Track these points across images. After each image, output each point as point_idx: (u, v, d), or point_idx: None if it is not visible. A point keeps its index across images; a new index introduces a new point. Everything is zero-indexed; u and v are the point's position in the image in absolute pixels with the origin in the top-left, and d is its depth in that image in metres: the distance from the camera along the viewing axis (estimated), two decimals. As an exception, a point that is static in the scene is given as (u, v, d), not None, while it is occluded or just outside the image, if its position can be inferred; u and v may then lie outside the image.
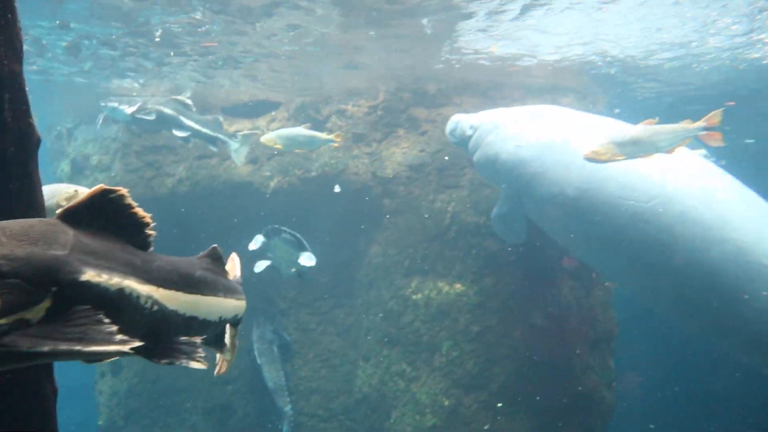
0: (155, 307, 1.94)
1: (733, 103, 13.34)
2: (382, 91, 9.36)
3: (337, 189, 8.78)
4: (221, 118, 8.64)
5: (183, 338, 2.03)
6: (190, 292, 2.15)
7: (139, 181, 9.44)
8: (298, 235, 7.52)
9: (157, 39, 8.26)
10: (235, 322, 2.68)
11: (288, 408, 8.89)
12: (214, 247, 2.52)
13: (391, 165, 8.91)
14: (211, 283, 2.33)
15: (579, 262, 8.07)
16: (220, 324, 2.41)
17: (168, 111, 8.28)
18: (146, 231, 2.01)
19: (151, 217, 2.00)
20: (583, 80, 11.04)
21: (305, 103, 9.61)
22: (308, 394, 9.21)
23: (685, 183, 6.35)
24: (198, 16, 7.37)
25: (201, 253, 2.47)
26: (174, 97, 8.56)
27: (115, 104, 8.40)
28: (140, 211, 1.97)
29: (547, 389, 7.85)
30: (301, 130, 7.54)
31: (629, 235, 6.46)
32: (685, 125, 5.50)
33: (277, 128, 8.74)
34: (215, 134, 8.38)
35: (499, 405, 7.84)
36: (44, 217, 2.24)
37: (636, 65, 10.50)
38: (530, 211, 7.47)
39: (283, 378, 8.98)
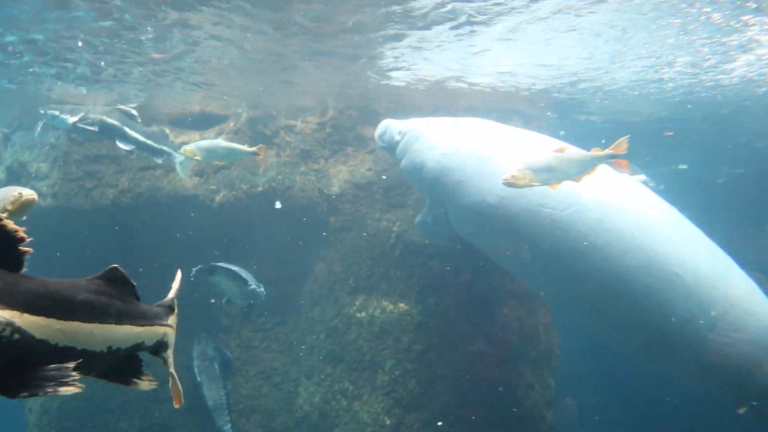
0: (15, 336, 1.71)
1: (671, 132, 13.91)
2: (331, 108, 9.37)
3: (277, 205, 8.70)
4: (167, 130, 8.46)
5: (51, 365, 1.77)
6: (66, 319, 1.88)
7: (79, 191, 9.17)
8: (235, 269, 7.35)
9: (80, 44, 7.98)
10: (153, 350, 2.38)
11: (228, 427, 8.71)
12: (114, 267, 2.21)
13: (338, 183, 8.91)
14: (99, 308, 2.04)
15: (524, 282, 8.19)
16: (110, 355, 2.08)
17: (112, 121, 8.08)
18: (18, 248, 1.77)
19: (26, 231, 1.77)
20: (527, 104, 11.32)
21: (253, 117, 9.54)
22: (249, 413, 9.05)
23: (604, 194, 6.40)
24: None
25: (96, 274, 2.19)
26: (119, 106, 8.36)
27: (56, 112, 8.11)
28: (10, 224, 1.75)
29: (487, 408, 7.93)
30: (221, 142, 7.40)
31: (548, 244, 6.48)
32: (594, 153, 5.53)
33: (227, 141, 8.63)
34: (160, 146, 8.21)
35: (440, 424, 7.87)
36: None
37: (569, 92, 10.88)
38: (454, 219, 7.49)
39: (223, 396, 8.80)
